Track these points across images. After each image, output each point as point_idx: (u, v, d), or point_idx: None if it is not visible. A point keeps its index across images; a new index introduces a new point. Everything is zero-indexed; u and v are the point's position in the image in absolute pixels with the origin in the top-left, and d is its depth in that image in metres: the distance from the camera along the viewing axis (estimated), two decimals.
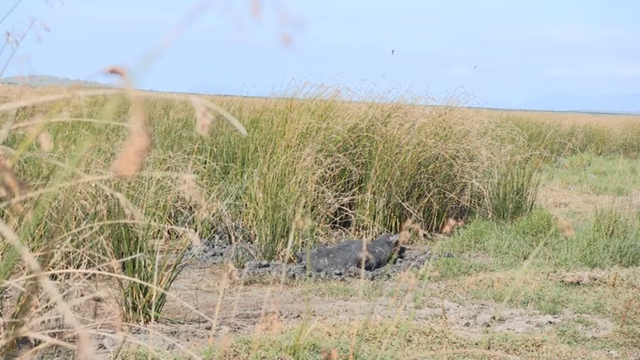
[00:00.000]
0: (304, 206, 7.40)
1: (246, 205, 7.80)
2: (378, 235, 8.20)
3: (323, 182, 8.08)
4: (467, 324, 5.00)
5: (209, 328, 4.65)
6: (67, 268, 4.67)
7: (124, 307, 4.60)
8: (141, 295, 4.59)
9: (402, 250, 7.25)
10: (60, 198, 4.23)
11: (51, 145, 1.19)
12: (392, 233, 8.02)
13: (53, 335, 3.30)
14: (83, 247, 4.74)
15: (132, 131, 0.92)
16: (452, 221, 1.64)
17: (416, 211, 8.45)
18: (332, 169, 8.30)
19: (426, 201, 8.59)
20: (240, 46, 0.97)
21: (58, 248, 3.22)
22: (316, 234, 7.61)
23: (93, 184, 5.26)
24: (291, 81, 12.84)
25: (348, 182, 8.50)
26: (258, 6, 0.98)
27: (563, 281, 6.06)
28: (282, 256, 6.84)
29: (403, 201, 8.38)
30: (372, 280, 6.44)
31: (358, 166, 8.50)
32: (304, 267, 6.56)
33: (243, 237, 7.48)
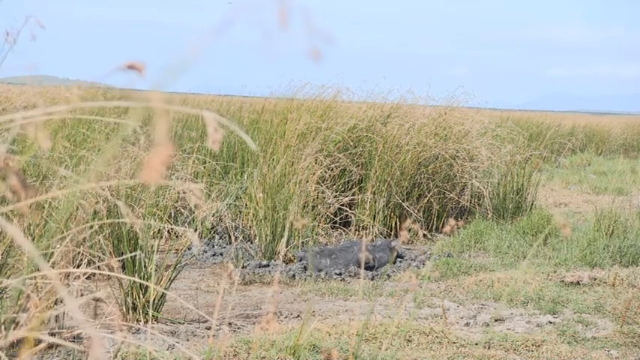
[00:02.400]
0: (304, 206, 7.40)
1: (246, 205, 7.80)
2: (378, 236, 8.20)
3: (323, 182, 8.08)
4: (467, 324, 5.00)
5: (209, 328, 4.65)
6: (66, 267, 4.66)
7: (123, 307, 4.60)
8: (141, 295, 4.59)
9: (400, 256, 7.22)
10: (60, 198, 4.22)
11: (50, 144, 1.18)
12: (394, 238, 8.01)
13: (52, 335, 3.30)
14: (83, 246, 4.74)
15: (156, 141, 0.92)
16: (452, 221, 1.64)
17: (416, 211, 8.45)
18: (332, 169, 8.30)
19: (426, 201, 8.59)
20: (269, 56, 0.98)
21: (58, 248, 3.22)
22: (316, 234, 7.61)
23: (93, 184, 5.25)
24: (291, 81, 12.83)
25: (348, 182, 8.50)
26: (286, 17, 0.98)
27: (563, 281, 6.06)
28: (283, 256, 6.84)
29: (403, 201, 8.38)
30: (372, 280, 6.44)
31: (358, 166, 8.50)
32: (304, 267, 6.56)
33: (243, 237, 7.47)
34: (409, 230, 7.14)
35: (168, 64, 0.98)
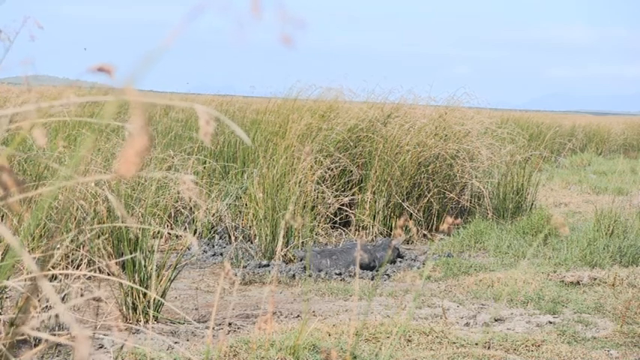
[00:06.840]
0: (304, 206, 7.40)
1: (246, 205, 7.80)
2: (378, 235, 8.20)
3: (323, 182, 8.08)
4: (467, 324, 5.00)
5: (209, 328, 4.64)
6: (66, 268, 4.67)
7: (123, 307, 4.60)
8: (141, 296, 4.59)
9: (400, 255, 7.22)
10: (60, 198, 4.22)
11: (46, 141, 1.18)
12: (394, 238, 8.00)
13: (53, 336, 3.30)
14: (83, 247, 4.74)
15: (131, 133, 0.92)
16: (449, 219, 1.64)
17: (416, 211, 8.45)
18: (332, 169, 8.30)
19: (426, 201, 8.58)
20: (240, 45, 0.97)
21: (58, 249, 3.22)
22: (316, 234, 7.61)
23: (92, 184, 5.26)
24: (292, 81, 12.87)
25: (348, 182, 8.50)
26: (258, 5, 0.98)
27: (563, 281, 6.06)
28: (283, 256, 6.84)
29: (403, 201, 8.38)
30: (372, 280, 6.44)
31: (358, 166, 8.50)
32: (304, 267, 6.56)
33: (243, 237, 7.47)
34: (405, 228, 7.14)
35: (141, 56, 0.97)
